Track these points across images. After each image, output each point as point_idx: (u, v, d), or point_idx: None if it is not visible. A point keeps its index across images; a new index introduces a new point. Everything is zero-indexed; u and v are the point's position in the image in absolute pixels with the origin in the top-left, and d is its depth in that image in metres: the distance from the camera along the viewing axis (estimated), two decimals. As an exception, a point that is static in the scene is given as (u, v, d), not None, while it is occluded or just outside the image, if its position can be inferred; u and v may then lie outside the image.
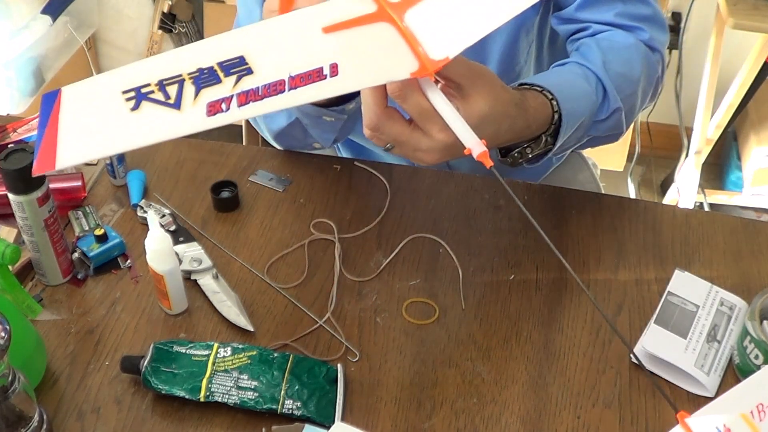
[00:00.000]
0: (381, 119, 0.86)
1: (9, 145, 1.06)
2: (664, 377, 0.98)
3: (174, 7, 2.81)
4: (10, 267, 0.99)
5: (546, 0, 1.20)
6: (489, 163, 0.76)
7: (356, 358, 0.99)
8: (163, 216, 1.14)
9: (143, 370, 0.93)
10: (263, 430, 0.91)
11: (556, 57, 1.29)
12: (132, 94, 0.72)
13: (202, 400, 0.91)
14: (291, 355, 0.96)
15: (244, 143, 1.71)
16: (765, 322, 0.96)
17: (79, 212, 1.16)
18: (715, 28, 2.34)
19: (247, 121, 1.67)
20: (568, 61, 1.13)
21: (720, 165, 2.89)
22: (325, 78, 0.75)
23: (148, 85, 0.72)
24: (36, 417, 0.86)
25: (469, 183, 1.23)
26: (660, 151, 2.90)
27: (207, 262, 1.08)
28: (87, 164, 1.25)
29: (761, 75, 2.41)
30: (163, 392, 0.92)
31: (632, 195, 2.84)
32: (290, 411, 0.91)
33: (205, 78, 0.74)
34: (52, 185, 1.01)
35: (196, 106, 0.72)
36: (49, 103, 0.72)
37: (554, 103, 0.99)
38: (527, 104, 0.95)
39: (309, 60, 0.76)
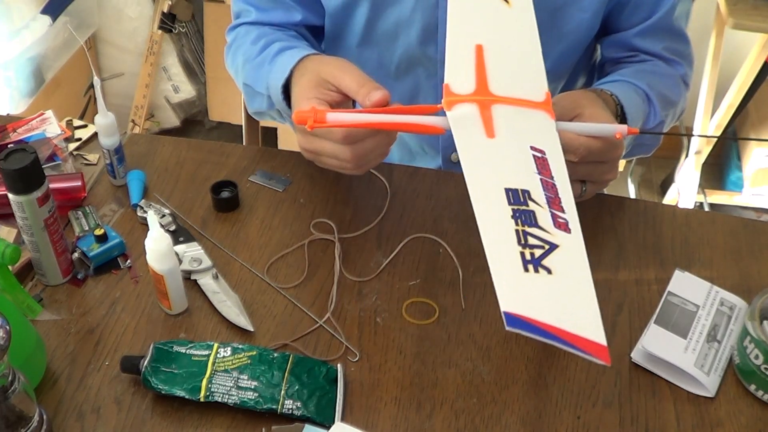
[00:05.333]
0: (588, 168, 1.00)
1: (9, 145, 1.06)
2: (664, 377, 0.98)
3: (174, 7, 2.81)
4: (10, 267, 0.99)
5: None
6: (636, 130, 0.93)
7: (356, 358, 0.99)
8: (163, 216, 1.14)
9: (143, 370, 0.93)
10: (263, 430, 0.91)
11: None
12: (530, 267, 0.75)
13: (202, 400, 0.91)
14: (291, 355, 0.96)
15: (244, 143, 1.71)
16: (765, 322, 0.96)
17: (79, 212, 1.16)
18: (715, 28, 2.34)
19: (247, 121, 1.67)
20: (614, 78, 1.21)
21: (720, 165, 2.89)
22: (545, 158, 0.83)
23: (522, 253, 0.76)
24: (36, 417, 0.86)
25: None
26: (660, 151, 2.89)
27: (207, 262, 1.08)
28: (87, 164, 1.25)
29: (761, 75, 2.41)
30: (163, 392, 0.92)
31: (632, 195, 2.84)
32: (290, 411, 0.91)
33: (525, 217, 0.78)
34: (52, 185, 1.01)
35: (551, 231, 0.78)
36: (520, 323, 0.74)
37: (615, 97, 1.11)
38: (599, 94, 1.09)
39: (525, 156, 0.83)
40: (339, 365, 0.96)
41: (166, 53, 2.95)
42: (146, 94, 2.91)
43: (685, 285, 1.06)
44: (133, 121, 2.93)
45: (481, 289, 1.08)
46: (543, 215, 0.78)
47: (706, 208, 2.63)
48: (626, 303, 1.07)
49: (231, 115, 2.97)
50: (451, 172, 1.27)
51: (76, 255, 1.09)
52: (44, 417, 0.88)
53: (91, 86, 2.78)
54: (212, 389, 0.92)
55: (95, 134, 1.28)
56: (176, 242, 1.10)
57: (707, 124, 2.49)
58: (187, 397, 0.92)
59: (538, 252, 0.75)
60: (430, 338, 1.01)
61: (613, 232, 1.17)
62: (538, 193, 0.80)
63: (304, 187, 1.22)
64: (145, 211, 1.15)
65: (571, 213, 0.80)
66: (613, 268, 1.11)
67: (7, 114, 1.44)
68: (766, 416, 0.95)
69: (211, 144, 1.30)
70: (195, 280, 1.07)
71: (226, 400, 0.91)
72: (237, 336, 1.01)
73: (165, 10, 2.79)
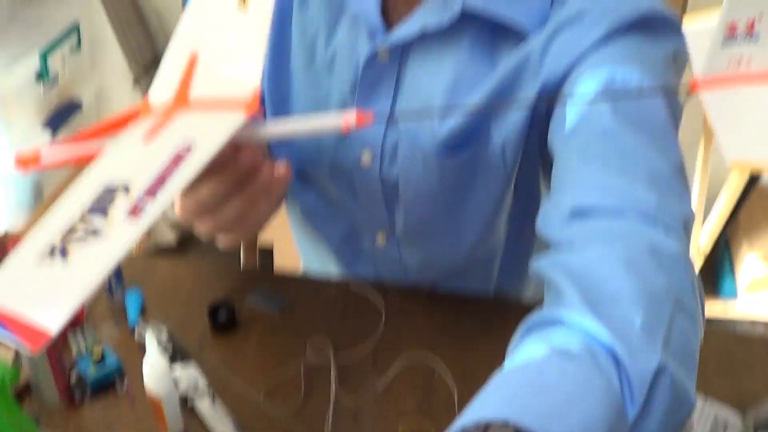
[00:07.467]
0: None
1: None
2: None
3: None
4: (9, 389, 0.99)
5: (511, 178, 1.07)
6: (369, 120, 0.66)
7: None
8: (161, 338, 1.14)
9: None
10: None
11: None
12: (50, 256, 0.64)
13: None
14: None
15: (242, 262, 1.72)
16: (759, 438, 0.96)
17: (78, 332, 1.17)
18: (704, 136, 2.37)
19: (245, 241, 1.67)
20: (530, 337, 0.71)
21: (713, 272, 2.89)
22: (187, 152, 0.71)
23: (54, 245, 0.65)
24: None
25: (462, 303, 1.24)
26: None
27: (203, 386, 1.08)
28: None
29: (752, 181, 2.43)
30: None
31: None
32: None
33: (99, 206, 0.67)
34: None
35: (116, 217, 0.66)
36: None
37: None
38: None
39: (162, 156, 0.71)
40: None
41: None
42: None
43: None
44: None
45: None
46: (121, 204, 0.67)
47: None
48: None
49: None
50: (444, 294, 1.27)
51: (73, 377, 1.10)
52: None
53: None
54: None
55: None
56: (173, 363, 1.10)
57: (699, 232, 2.50)
58: None
59: (71, 239, 0.64)
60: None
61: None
62: (140, 185, 0.68)
63: (299, 309, 1.23)
64: (143, 334, 1.16)
65: (160, 200, 0.66)
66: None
67: (6, 231, 1.45)
68: None
69: (208, 265, 1.32)
70: (191, 403, 1.07)
71: None
72: (233, 459, 1.01)
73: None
